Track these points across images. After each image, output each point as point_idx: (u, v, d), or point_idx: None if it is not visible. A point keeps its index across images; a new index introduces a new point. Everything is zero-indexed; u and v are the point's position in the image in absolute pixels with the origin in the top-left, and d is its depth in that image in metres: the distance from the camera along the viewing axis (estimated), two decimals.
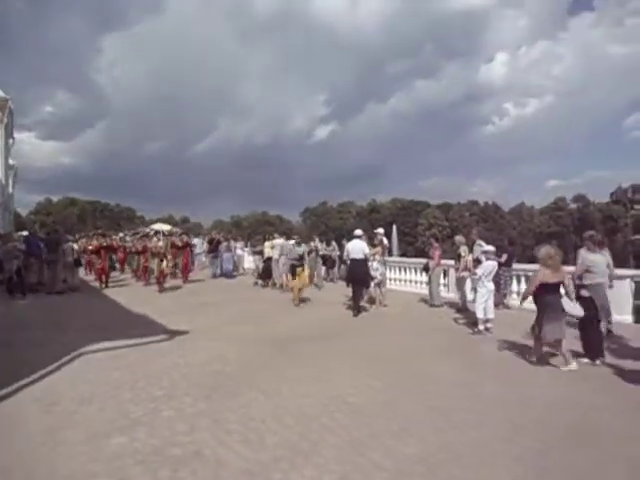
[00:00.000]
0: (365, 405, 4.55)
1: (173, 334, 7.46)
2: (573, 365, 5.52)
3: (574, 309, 5.66)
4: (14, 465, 3.35)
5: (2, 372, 5.48)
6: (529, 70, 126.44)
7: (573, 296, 5.80)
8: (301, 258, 12.53)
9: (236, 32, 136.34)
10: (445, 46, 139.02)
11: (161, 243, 14.22)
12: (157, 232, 15.06)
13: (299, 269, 11.26)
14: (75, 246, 14.27)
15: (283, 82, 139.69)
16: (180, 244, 16.27)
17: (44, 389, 4.94)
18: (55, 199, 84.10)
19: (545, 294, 5.71)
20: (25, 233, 18.30)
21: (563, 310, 5.65)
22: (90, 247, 15.19)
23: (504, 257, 9.49)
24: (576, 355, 5.62)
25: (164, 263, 13.66)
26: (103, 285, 14.34)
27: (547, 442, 3.71)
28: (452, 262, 10.52)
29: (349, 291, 11.50)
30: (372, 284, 10.43)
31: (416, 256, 20.36)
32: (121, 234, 23.31)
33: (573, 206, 76.84)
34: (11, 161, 38.99)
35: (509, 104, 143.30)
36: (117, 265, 19.45)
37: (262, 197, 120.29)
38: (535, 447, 3.63)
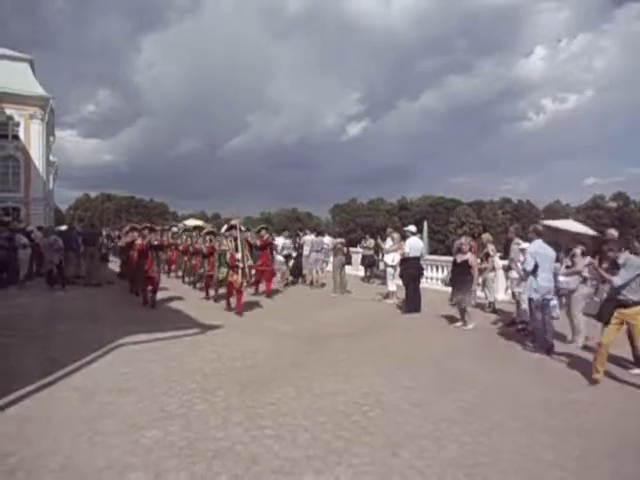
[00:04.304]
0: (398, 404, 4.46)
1: (206, 328, 7.52)
2: (471, 325, 7.77)
3: None
4: (52, 452, 3.42)
5: (42, 361, 5.65)
6: (569, 64, 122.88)
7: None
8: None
9: (270, 30, 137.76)
10: (480, 41, 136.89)
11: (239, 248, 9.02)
12: (232, 227, 9.36)
13: None
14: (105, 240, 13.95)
15: (316, 80, 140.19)
16: (259, 243, 11.21)
17: (82, 379, 5.05)
18: (93, 195, 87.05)
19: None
20: (63, 227, 18.85)
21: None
22: (129, 243, 10.91)
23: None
24: (627, 365, 5.35)
25: (239, 273, 8.95)
26: (149, 303, 9.64)
27: (588, 448, 3.56)
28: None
29: (381, 289, 11.44)
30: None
31: (447, 254, 20.06)
32: (175, 228, 18.09)
33: (612, 205, 74.01)
34: (52, 158, 40.44)
35: (547, 100, 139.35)
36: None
37: (292, 194, 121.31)
38: (576, 453, 3.49)
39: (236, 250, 8.95)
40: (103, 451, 3.46)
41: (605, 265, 5.72)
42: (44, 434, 3.73)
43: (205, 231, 12.41)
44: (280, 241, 13.63)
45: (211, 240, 11.26)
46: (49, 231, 13.75)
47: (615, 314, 4.97)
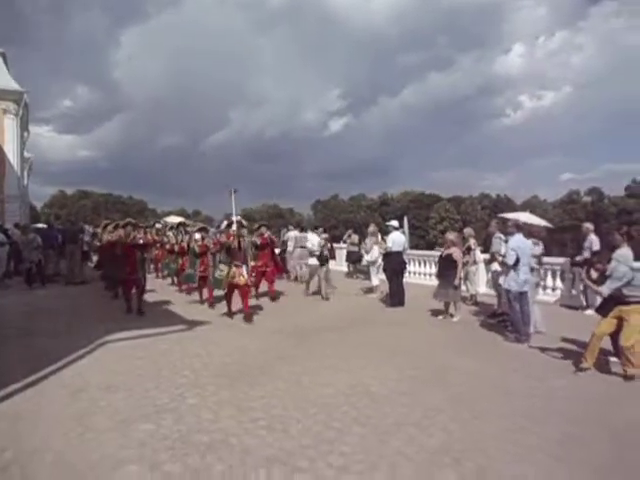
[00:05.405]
0: (386, 395, 4.57)
1: (193, 325, 7.53)
2: (456, 318, 8.08)
3: None
4: (44, 449, 3.43)
5: (28, 360, 5.60)
6: (546, 61, 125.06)
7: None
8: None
9: (251, 25, 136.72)
10: (460, 38, 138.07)
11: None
12: (231, 223, 8.55)
13: None
14: (95, 241, 13.70)
15: (297, 75, 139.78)
16: (259, 242, 10.41)
17: (70, 377, 5.03)
18: (69, 192, 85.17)
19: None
20: (40, 225, 18.46)
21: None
22: (112, 242, 9.65)
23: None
24: (607, 354, 5.55)
25: (243, 272, 8.21)
26: (134, 310, 8.69)
27: (569, 433, 3.72)
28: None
29: (365, 284, 11.56)
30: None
31: (428, 249, 20.58)
32: (158, 225, 16.55)
33: (587, 199, 75.82)
34: (26, 154, 39.43)
35: (524, 96, 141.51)
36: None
37: (274, 190, 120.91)
38: (557, 438, 3.64)
39: (239, 248, 8.18)
40: (96, 446, 3.48)
41: (595, 275, 5.92)
42: (36, 430, 3.73)
43: (197, 227, 11.26)
44: (314, 239, 11.40)
45: (203, 238, 10.25)
46: (28, 228, 13.51)
47: (615, 309, 5.19)
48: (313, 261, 11.09)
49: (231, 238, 8.14)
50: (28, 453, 3.35)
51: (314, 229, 12.68)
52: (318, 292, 10.75)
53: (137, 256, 8.90)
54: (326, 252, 11.23)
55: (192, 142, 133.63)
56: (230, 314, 8.37)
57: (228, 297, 8.38)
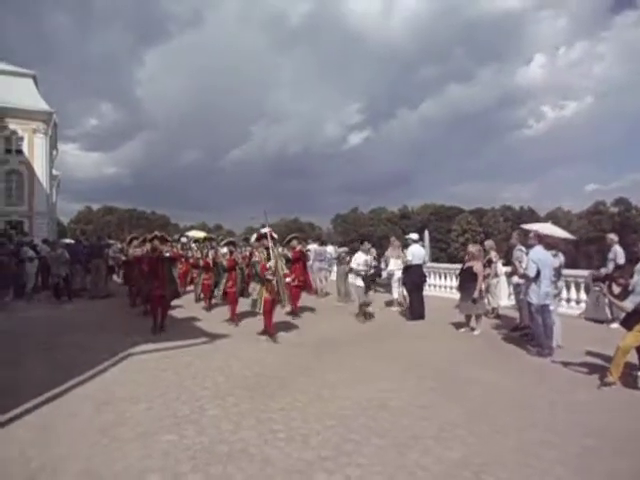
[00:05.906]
0: (404, 408, 4.57)
1: (213, 338, 7.64)
2: (477, 331, 8.07)
3: None
4: (72, 458, 3.53)
5: (55, 371, 5.76)
6: (568, 71, 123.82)
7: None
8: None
9: (271, 42, 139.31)
10: (480, 50, 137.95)
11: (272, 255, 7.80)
12: (264, 236, 8.01)
13: None
14: (121, 256, 13.72)
15: (317, 90, 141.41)
16: (291, 255, 9.44)
17: (95, 389, 5.16)
18: (95, 208, 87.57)
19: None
20: (68, 240, 19.02)
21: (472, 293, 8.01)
22: (138, 257, 9.76)
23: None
24: (633, 369, 5.43)
25: (274, 286, 7.68)
26: (158, 326, 8.36)
27: (590, 447, 3.67)
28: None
29: (385, 297, 11.53)
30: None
31: (449, 262, 20.52)
32: (184, 239, 16.49)
33: (614, 210, 74.18)
34: (55, 171, 40.76)
35: (547, 107, 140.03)
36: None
37: (293, 204, 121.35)
38: (578, 452, 3.60)
39: (268, 260, 7.69)
40: (120, 456, 3.56)
41: (617, 290, 5.83)
42: (62, 441, 3.83)
43: (225, 241, 10.77)
44: (360, 258, 10.10)
45: (231, 252, 9.80)
46: (56, 244, 13.92)
47: None
48: (359, 282, 9.97)
49: (266, 270, 7.60)
50: (55, 462, 3.46)
51: (361, 244, 10.95)
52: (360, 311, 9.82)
53: (165, 270, 8.53)
54: (372, 271, 10.11)
55: (214, 158, 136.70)
56: (271, 331, 7.76)
57: (267, 312, 7.71)
